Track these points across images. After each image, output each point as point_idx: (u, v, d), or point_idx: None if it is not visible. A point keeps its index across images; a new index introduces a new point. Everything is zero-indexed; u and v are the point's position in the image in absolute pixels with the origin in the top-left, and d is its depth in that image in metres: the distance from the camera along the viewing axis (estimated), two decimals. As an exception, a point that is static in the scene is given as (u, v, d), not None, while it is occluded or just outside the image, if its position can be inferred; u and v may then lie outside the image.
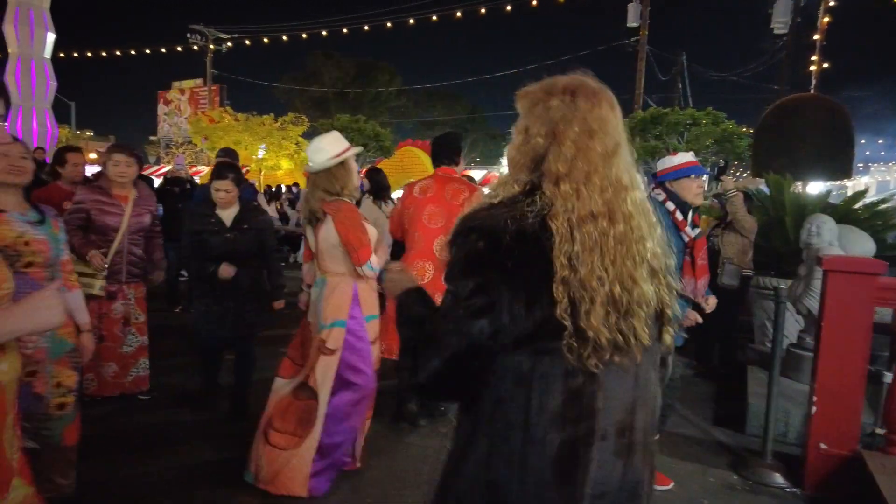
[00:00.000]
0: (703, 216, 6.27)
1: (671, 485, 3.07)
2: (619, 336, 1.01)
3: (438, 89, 34.65)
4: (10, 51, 12.90)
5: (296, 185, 14.70)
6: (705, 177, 3.05)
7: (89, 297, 3.29)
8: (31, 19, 12.77)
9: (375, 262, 2.77)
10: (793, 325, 4.22)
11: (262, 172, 20.29)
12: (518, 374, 1.02)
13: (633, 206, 1.06)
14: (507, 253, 1.00)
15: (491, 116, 38.83)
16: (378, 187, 5.09)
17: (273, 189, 13.96)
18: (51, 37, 13.13)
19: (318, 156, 2.73)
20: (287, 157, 20.75)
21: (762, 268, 5.02)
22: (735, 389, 4.37)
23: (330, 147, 2.73)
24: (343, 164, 2.75)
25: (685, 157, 3.05)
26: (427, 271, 3.43)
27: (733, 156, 13.23)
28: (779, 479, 3.16)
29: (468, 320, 1.01)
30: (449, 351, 1.02)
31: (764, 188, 5.92)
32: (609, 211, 1.03)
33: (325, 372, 2.73)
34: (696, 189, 2.97)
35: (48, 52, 13.22)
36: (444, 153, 3.66)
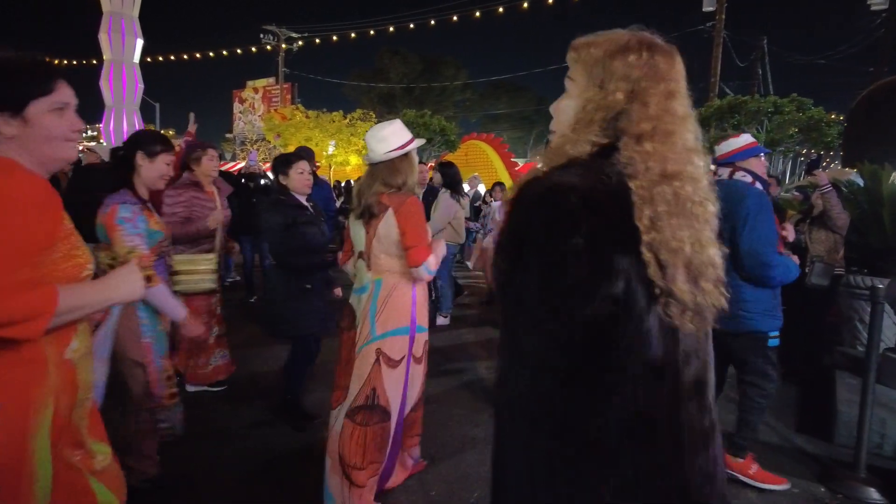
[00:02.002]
0: (785, 209, 5.90)
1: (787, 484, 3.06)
2: (699, 298, 0.98)
3: (504, 82, 34.30)
4: (105, 57, 13.91)
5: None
6: (763, 156, 3.19)
7: (199, 294, 3.49)
8: (123, 27, 13.69)
9: (433, 263, 2.51)
10: (889, 328, 3.89)
11: (332, 168, 20.89)
12: None
13: (698, 169, 1.03)
14: (604, 214, 0.95)
15: (558, 108, 38.00)
16: (452, 181, 5.08)
17: (342, 184, 14.33)
18: (139, 43, 14.04)
19: (381, 146, 2.51)
20: (356, 152, 21.26)
21: (855, 265, 4.67)
22: (820, 395, 4.08)
23: (393, 137, 2.52)
24: (406, 156, 2.55)
25: (748, 138, 3.17)
26: None
27: (821, 145, 12.34)
28: (874, 494, 2.93)
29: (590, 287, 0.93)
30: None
31: (856, 179, 5.49)
32: (682, 172, 1.00)
33: (395, 387, 2.49)
34: (763, 168, 3.13)
35: (137, 58, 14.14)
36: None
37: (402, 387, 2.53)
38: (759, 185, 3.00)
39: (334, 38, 25.71)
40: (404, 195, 2.50)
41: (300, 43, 28.47)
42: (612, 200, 0.96)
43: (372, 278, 2.54)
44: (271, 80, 32.00)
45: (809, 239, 4.67)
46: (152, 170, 2.51)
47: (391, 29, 23.08)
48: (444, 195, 4.97)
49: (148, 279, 2.28)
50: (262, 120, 25.45)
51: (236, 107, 33.87)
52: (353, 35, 24.45)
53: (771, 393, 3.02)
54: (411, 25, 22.40)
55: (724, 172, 3.13)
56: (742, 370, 3.06)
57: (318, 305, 3.36)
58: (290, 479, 2.90)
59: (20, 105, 1.32)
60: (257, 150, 22.67)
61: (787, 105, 12.21)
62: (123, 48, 13.50)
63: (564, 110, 1.10)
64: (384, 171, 2.50)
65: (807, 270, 4.51)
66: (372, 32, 23.61)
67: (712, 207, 1.04)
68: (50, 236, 1.32)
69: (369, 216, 2.50)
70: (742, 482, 3.00)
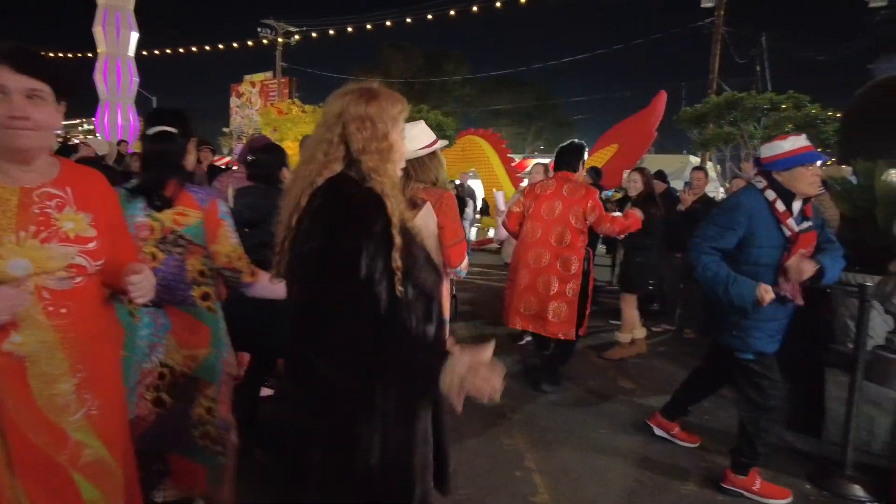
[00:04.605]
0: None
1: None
2: None
3: (504, 77, 34.27)
4: (98, 50, 13.84)
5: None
6: (818, 163, 2.70)
7: None
8: (118, 20, 13.62)
9: (465, 265, 2.73)
10: (880, 326, 3.88)
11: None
12: None
13: None
14: None
15: (558, 104, 37.93)
16: None
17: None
18: (134, 36, 13.98)
19: (410, 144, 2.58)
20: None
21: (850, 263, 4.66)
22: (811, 392, 4.08)
23: (422, 136, 2.69)
24: (434, 154, 2.71)
25: (799, 142, 2.69)
26: (544, 258, 4.05)
27: (817, 142, 12.33)
28: (859, 492, 2.93)
29: None
30: None
31: (851, 177, 5.47)
32: None
33: None
34: (810, 178, 2.63)
35: (132, 51, 14.08)
36: (565, 160, 4.24)
37: None
38: (770, 194, 2.67)
39: (331, 32, 25.64)
40: (441, 190, 2.69)
41: (297, 37, 28.37)
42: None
43: None
44: (269, 74, 31.87)
45: (802, 236, 4.66)
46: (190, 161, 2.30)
47: (388, 23, 23.01)
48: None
49: (252, 273, 2.14)
50: (259, 114, 25.34)
51: (233, 101, 33.71)
52: (350, 29, 24.36)
53: (769, 407, 2.81)
54: (408, 20, 22.33)
55: (761, 182, 2.76)
56: (734, 381, 2.98)
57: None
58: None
59: None
60: (243, 143, 22.63)
61: (784, 102, 12.20)
62: (118, 41, 13.43)
63: None
64: (416, 169, 2.68)
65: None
66: (369, 27, 23.54)
67: None
68: None
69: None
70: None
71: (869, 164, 4.90)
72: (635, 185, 5.19)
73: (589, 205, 4.03)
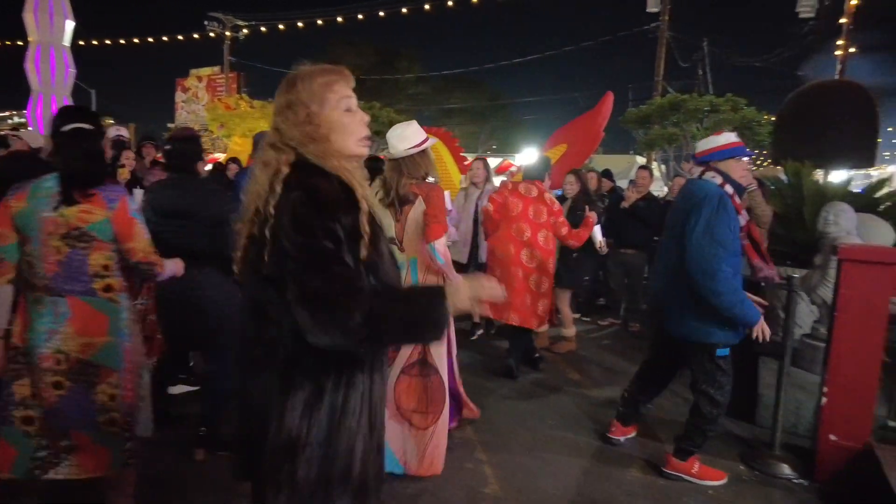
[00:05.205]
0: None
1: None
2: None
3: (458, 76, 34.33)
4: (30, 39, 13.07)
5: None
6: (746, 159, 2.95)
7: None
8: (51, 7, 12.91)
9: (441, 246, 2.97)
10: (808, 316, 4.13)
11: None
12: None
13: None
14: None
15: (511, 103, 38.35)
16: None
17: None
18: (69, 24, 13.27)
19: (403, 143, 2.93)
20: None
21: (781, 258, 4.93)
22: (747, 380, 4.30)
23: (414, 136, 2.94)
24: (424, 152, 2.97)
25: (731, 138, 2.95)
26: (535, 258, 4.26)
27: (753, 143, 12.94)
28: (787, 470, 3.12)
29: None
30: None
31: (783, 177, 5.78)
32: None
33: (438, 347, 2.99)
34: (741, 170, 2.89)
35: (67, 40, 13.36)
36: (538, 171, 4.57)
37: (445, 347, 3.06)
38: (729, 188, 2.84)
39: (281, 26, 25.10)
40: (432, 185, 3.03)
41: (246, 31, 27.64)
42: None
43: (407, 258, 3.03)
44: (216, 68, 30.93)
45: (738, 232, 4.90)
46: None
47: (339, 19, 22.70)
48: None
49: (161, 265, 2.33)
50: (206, 110, 24.56)
51: (179, 96, 32.54)
52: (300, 24, 23.91)
53: (721, 403, 2.88)
54: (360, 16, 22.11)
55: (697, 171, 3.00)
56: (692, 377, 2.97)
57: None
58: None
59: None
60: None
61: (723, 104, 12.75)
62: (52, 29, 12.71)
63: None
64: (409, 166, 2.94)
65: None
66: (320, 22, 23.17)
67: None
68: None
69: (402, 204, 2.97)
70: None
71: (797, 166, 5.20)
72: (571, 187, 5.34)
73: (562, 219, 4.40)
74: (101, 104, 29.52)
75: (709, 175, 2.90)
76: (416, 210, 2.96)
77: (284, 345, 1.33)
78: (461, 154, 15.34)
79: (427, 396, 2.94)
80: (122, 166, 5.14)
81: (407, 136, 2.94)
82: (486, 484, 2.97)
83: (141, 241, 2.22)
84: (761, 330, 2.76)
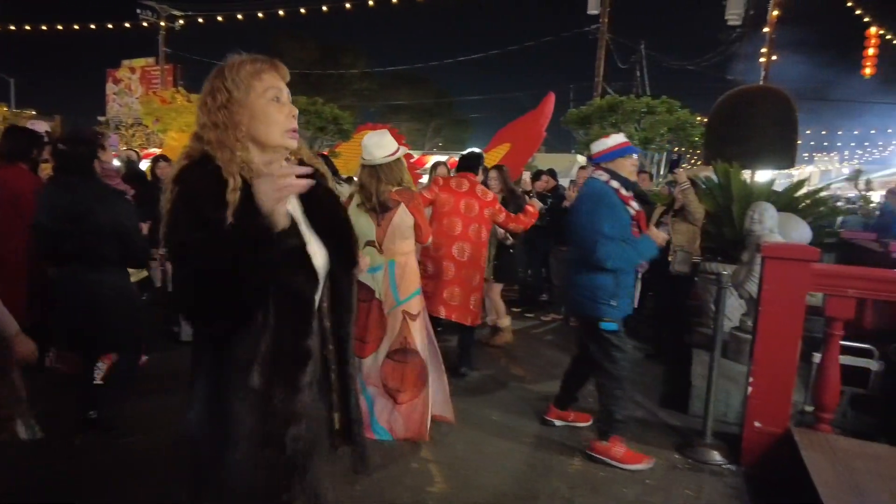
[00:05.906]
0: (655, 202, 6.40)
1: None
2: None
3: (404, 73, 34.09)
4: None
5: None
6: (635, 156, 3.30)
7: None
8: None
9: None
10: (737, 310, 4.37)
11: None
12: None
13: None
14: None
15: (456, 101, 38.49)
16: (332, 171, 5.30)
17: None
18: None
19: (381, 151, 3.23)
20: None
21: (712, 254, 5.17)
22: (681, 372, 4.50)
23: (390, 144, 3.26)
24: (398, 160, 3.27)
25: (619, 138, 3.29)
26: (466, 251, 4.34)
27: (687, 144, 13.48)
28: (717, 457, 3.29)
29: None
30: None
31: (714, 177, 6.07)
32: None
33: (419, 333, 3.39)
34: (630, 167, 3.24)
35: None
36: (470, 164, 4.65)
37: (425, 332, 3.45)
38: (614, 184, 3.14)
39: (220, 18, 24.23)
40: (410, 192, 3.36)
41: (182, 22, 26.53)
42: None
43: (385, 260, 3.36)
44: (151, 60, 29.55)
45: (672, 230, 5.10)
46: None
47: (281, 13, 22.14)
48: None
49: None
50: (140, 103, 23.43)
51: (110, 87, 30.89)
52: (239, 17, 23.16)
53: (620, 377, 3.15)
54: (302, 10, 21.63)
55: (603, 175, 3.25)
56: (589, 351, 3.25)
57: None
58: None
59: None
60: (133, 135, 20.98)
61: (659, 106, 13.22)
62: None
63: None
64: (387, 173, 3.25)
65: (670, 259, 4.96)
66: (261, 15, 22.51)
67: None
68: None
69: (383, 210, 3.27)
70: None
71: (726, 166, 5.47)
72: (495, 184, 5.35)
73: (497, 207, 4.49)
74: (22, 95, 27.63)
75: (597, 174, 3.22)
76: (401, 217, 3.28)
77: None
78: (407, 151, 15.23)
79: (409, 377, 3.34)
80: (46, 161, 4.86)
81: (384, 145, 3.22)
82: (432, 483, 2.98)
83: None
84: (662, 240, 3.19)
